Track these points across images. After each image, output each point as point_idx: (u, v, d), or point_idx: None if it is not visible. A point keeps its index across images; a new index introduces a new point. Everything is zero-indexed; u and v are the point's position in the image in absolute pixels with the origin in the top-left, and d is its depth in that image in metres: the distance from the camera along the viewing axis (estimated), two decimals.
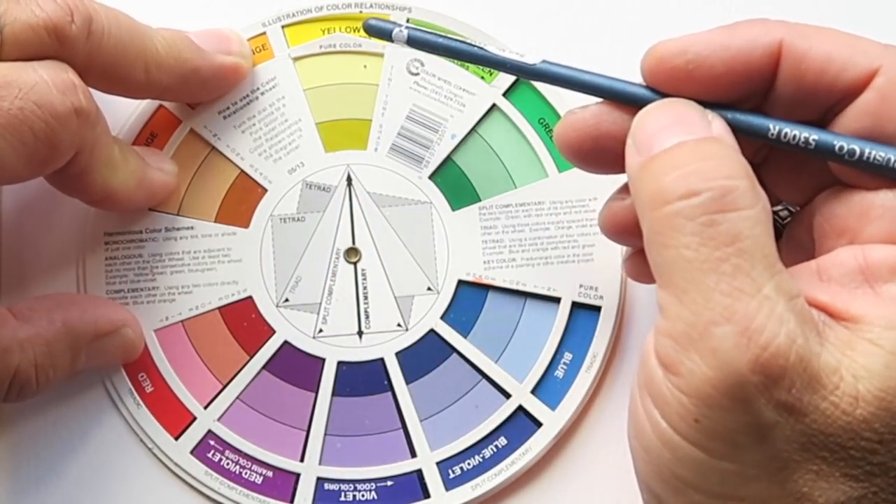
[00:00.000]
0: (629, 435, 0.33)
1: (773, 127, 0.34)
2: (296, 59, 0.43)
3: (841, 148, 0.33)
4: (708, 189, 0.31)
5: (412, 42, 0.38)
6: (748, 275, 0.30)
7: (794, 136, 0.34)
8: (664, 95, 0.35)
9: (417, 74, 0.43)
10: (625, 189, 0.37)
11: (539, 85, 0.43)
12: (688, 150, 0.32)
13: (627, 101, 0.35)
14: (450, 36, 0.38)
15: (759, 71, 0.34)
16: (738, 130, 0.34)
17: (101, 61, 0.37)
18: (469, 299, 0.43)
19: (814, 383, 0.30)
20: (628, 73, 0.42)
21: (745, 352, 0.29)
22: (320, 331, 0.42)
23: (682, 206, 0.31)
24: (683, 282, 0.30)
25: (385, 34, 0.39)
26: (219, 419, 0.42)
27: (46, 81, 0.35)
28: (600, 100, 0.36)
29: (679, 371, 0.30)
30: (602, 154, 0.36)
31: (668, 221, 0.31)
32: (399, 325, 0.42)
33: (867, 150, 0.33)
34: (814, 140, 0.34)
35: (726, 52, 0.33)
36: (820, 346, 0.30)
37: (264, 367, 0.42)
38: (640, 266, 0.39)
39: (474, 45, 0.37)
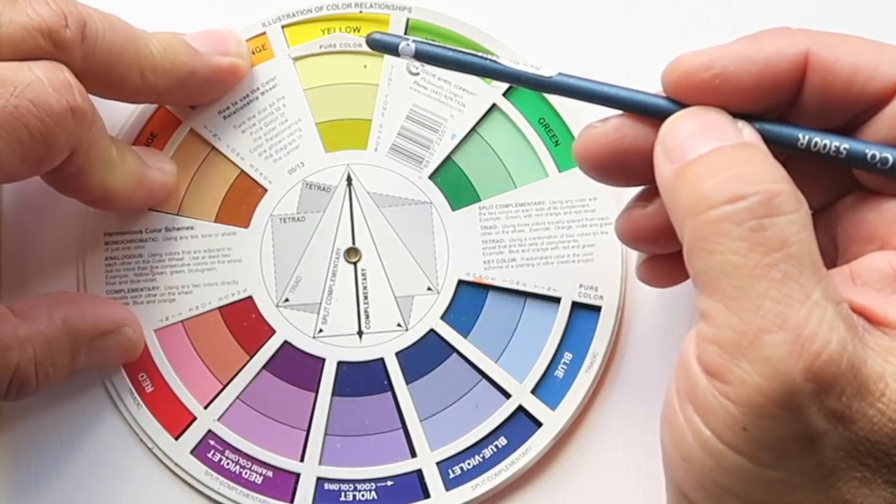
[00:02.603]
0: (664, 443, 0.33)
1: (803, 137, 0.34)
2: (296, 59, 0.43)
3: (873, 157, 0.33)
4: (754, 193, 0.30)
5: (420, 56, 0.37)
6: (797, 281, 0.30)
7: (825, 146, 0.34)
8: (688, 106, 0.34)
9: (417, 74, 0.43)
10: (644, 196, 0.37)
11: None
12: (726, 154, 0.32)
13: (651, 114, 0.35)
14: (459, 49, 0.37)
15: (785, 82, 0.33)
16: (766, 140, 0.33)
17: (96, 65, 0.37)
18: (469, 299, 0.43)
19: (862, 390, 0.30)
20: (629, 71, 0.42)
21: (798, 360, 0.29)
22: (320, 331, 0.42)
23: (728, 210, 0.30)
24: (731, 288, 0.30)
25: (391, 48, 0.38)
26: (219, 419, 0.42)
27: (42, 80, 0.35)
28: (615, 111, 0.36)
29: (727, 379, 0.30)
30: (624, 168, 0.36)
31: (714, 226, 0.30)
32: (399, 325, 0.42)
33: None
34: (845, 149, 0.33)
35: (753, 66, 0.33)
36: (864, 353, 0.30)
37: (264, 367, 0.42)
38: (653, 271, 0.39)
39: (486, 58, 0.37)
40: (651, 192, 0.37)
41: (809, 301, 0.29)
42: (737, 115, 0.34)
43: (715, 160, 0.32)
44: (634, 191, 0.38)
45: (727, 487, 0.31)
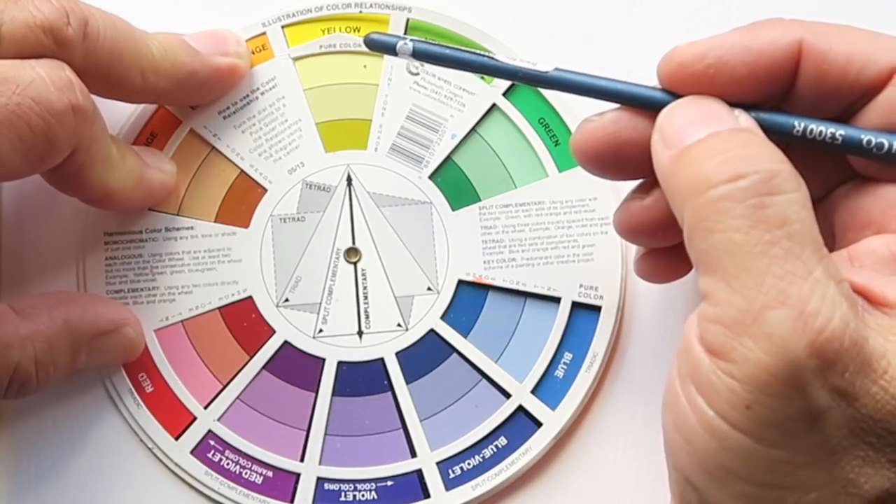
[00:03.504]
0: (666, 427, 0.33)
1: (799, 124, 0.34)
2: (296, 59, 0.43)
3: (869, 142, 0.33)
4: (755, 172, 0.30)
5: (418, 55, 0.37)
6: (799, 258, 0.30)
7: (821, 133, 0.34)
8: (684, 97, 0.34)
9: (417, 74, 0.43)
10: (642, 189, 0.37)
11: None
12: (724, 138, 0.32)
13: (647, 106, 0.35)
14: (457, 47, 0.37)
15: (780, 72, 0.34)
16: (763, 129, 0.33)
17: (97, 64, 0.37)
18: (469, 299, 0.43)
19: (865, 367, 0.30)
20: (629, 71, 0.42)
21: (801, 336, 0.29)
22: (320, 331, 0.42)
23: (730, 189, 0.30)
24: (733, 266, 0.30)
25: (388, 48, 0.38)
26: (219, 419, 0.42)
27: (44, 78, 0.35)
28: (614, 105, 0.36)
29: (731, 357, 0.30)
30: (621, 161, 0.36)
31: (715, 205, 0.30)
32: (399, 325, 0.42)
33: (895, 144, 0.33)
34: (840, 135, 0.34)
35: (748, 55, 0.33)
36: (866, 331, 0.30)
37: (264, 367, 0.42)
38: (652, 265, 0.39)
39: (483, 55, 0.37)
40: (649, 185, 0.37)
41: (811, 278, 0.30)
42: (733, 104, 0.34)
43: (713, 143, 0.32)
44: (634, 187, 0.38)
45: (731, 469, 0.31)
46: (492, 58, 0.37)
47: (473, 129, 0.43)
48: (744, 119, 0.33)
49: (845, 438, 0.30)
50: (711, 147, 0.32)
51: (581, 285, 0.42)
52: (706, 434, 0.31)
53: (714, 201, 0.30)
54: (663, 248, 0.38)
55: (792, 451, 0.30)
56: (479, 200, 0.43)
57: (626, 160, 0.36)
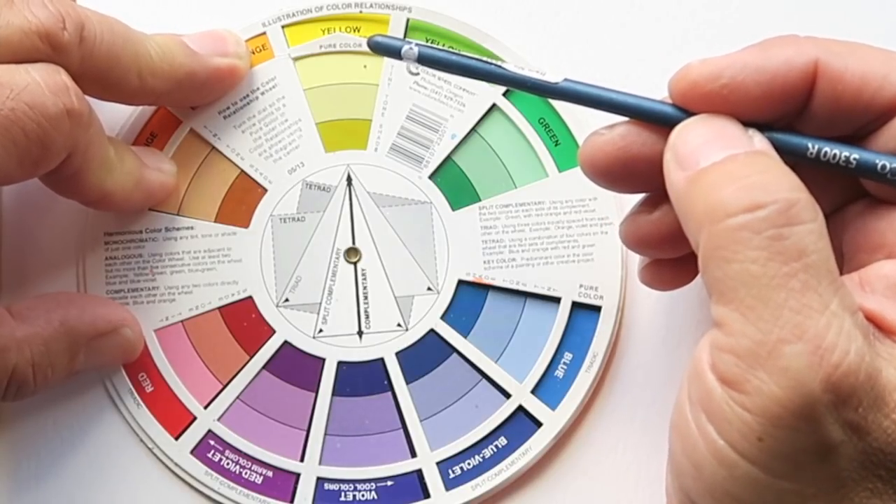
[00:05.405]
0: (674, 450, 0.33)
1: (812, 146, 0.34)
2: (296, 59, 0.43)
3: (883, 167, 0.33)
4: (773, 202, 0.30)
5: (423, 60, 0.37)
6: (816, 290, 0.29)
7: (835, 156, 0.33)
8: (696, 114, 0.34)
9: (417, 74, 0.43)
10: (649, 202, 0.37)
11: None
12: (741, 162, 0.31)
13: (659, 121, 0.35)
14: (462, 53, 0.37)
15: (794, 92, 0.33)
16: (775, 149, 0.33)
17: (94, 67, 0.37)
18: (469, 299, 0.43)
19: (878, 401, 0.29)
20: (628, 71, 0.42)
21: (817, 371, 0.29)
22: (320, 331, 0.42)
23: (748, 218, 0.30)
24: (749, 298, 0.30)
25: (393, 52, 0.37)
26: (219, 419, 0.42)
27: (38, 83, 0.35)
28: (622, 118, 0.35)
29: (745, 389, 0.30)
30: (630, 175, 0.35)
31: (732, 235, 0.30)
32: (399, 325, 0.42)
33: None
34: (855, 159, 0.33)
35: (763, 76, 0.33)
36: (879, 361, 0.30)
37: (264, 367, 0.42)
38: (656, 274, 0.39)
39: (491, 63, 0.36)
40: (656, 199, 0.36)
41: (828, 311, 0.29)
42: (746, 123, 0.33)
43: (730, 168, 0.31)
44: (640, 200, 0.38)
45: (739, 497, 0.31)
46: (499, 66, 0.36)
47: (473, 129, 0.43)
48: (758, 140, 0.33)
49: (855, 471, 0.30)
50: (728, 172, 0.31)
51: (581, 285, 0.42)
52: (715, 462, 0.30)
53: (731, 231, 0.30)
54: (669, 259, 0.38)
55: (802, 482, 0.30)
56: (479, 200, 0.43)
57: (635, 174, 0.35)
